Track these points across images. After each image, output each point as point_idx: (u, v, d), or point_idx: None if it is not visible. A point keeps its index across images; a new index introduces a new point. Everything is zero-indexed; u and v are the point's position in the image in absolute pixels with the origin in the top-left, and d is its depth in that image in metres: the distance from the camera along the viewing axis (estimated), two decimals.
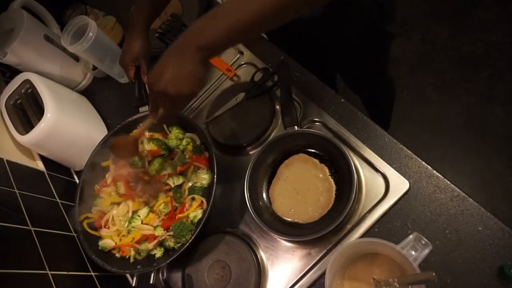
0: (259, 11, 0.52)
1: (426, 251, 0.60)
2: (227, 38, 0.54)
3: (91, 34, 0.94)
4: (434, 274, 0.51)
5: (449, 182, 0.67)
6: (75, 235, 0.86)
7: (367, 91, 1.31)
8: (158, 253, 0.79)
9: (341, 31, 0.93)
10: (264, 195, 0.80)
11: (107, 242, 0.82)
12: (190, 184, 0.82)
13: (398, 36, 1.02)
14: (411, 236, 0.62)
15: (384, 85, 1.32)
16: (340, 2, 0.83)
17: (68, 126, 0.94)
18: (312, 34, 0.96)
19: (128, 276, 0.87)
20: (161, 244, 0.80)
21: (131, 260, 0.81)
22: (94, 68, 1.12)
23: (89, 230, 0.83)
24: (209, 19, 0.55)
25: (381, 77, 1.24)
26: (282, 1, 0.51)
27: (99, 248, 0.82)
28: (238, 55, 0.97)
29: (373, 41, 0.99)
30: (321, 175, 0.76)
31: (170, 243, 0.78)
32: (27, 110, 0.93)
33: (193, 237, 0.72)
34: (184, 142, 0.86)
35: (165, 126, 0.90)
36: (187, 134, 0.88)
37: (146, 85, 0.89)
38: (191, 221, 0.79)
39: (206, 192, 0.81)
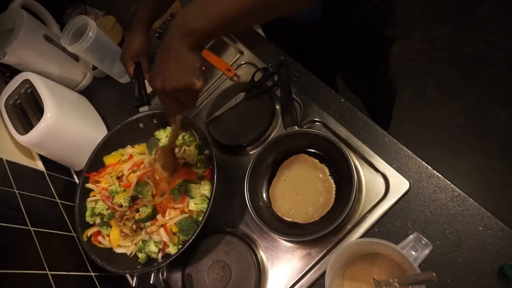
0: (240, 4, 0.51)
1: (426, 251, 0.60)
2: (213, 26, 0.52)
3: (91, 34, 0.94)
4: (434, 274, 0.51)
5: (449, 182, 0.67)
6: (75, 235, 0.86)
7: (367, 92, 1.31)
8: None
9: (340, 33, 0.93)
10: (264, 195, 0.80)
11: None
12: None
13: (398, 39, 1.02)
14: (411, 236, 0.62)
15: (384, 86, 1.32)
16: (339, 6, 0.83)
17: (68, 126, 0.94)
18: (312, 35, 0.96)
19: (128, 276, 0.87)
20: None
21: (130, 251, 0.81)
22: (94, 68, 1.12)
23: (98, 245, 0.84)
24: (198, 3, 0.53)
25: (381, 78, 1.24)
26: None
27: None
28: (238, 55, 0.97)
29: (373, 44, 0.99)
30: (321, 175, 0.76)
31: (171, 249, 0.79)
32: (27, 110, 0.93)
33: (193, 237, 0.72)
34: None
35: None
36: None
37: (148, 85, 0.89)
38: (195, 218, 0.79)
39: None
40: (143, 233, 0.81)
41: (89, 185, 0.88)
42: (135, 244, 0.82)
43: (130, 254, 0.82)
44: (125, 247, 0.82)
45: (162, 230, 0.79)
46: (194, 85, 0.55)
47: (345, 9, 0.85)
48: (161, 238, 0.79)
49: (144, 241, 0.80)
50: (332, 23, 0.89)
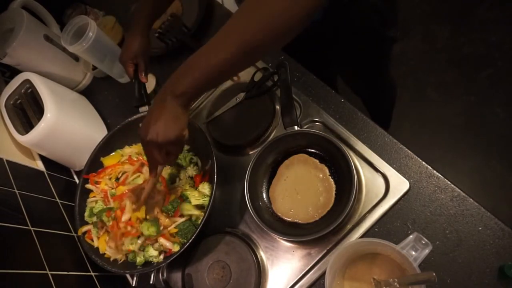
0: (224, 57, 0.54)
1: (426, 251, 0.60)
2: (199, 85, 0.57)
3: (91, 34, 0.94)
4: (434, 274, 0.51)
5: (449, 182, 0.67)
6: (75, 235, 0.86)
7: (368, 92, 1.31)
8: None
9: (341, 34, 0.93)
10: (264, 195, 0.80)
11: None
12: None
13: (399, 39, 1.02)
14: (411, 236, 0.62)
15: (384, 86, 1.32)
16: (340, 7, 0.83)
17: (68, 126, 0.94)
18: (312, 35, 0.96)
19: (128, 276, 0.87)
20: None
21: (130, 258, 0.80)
22: (94, 68, 1.12)
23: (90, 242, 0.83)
24: (183, 68, 0.58)
25: (381, 78, 1.24)
26: (245, 47, 0.52)
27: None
28: None
29: (374, 45, 0.99)
30: (321, 175, 0.76)
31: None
32: (27, 110, 0.93)
33: (193, 237, 0.72)
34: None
35: None
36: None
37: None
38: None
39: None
40: (139, 242, 0.79)
41: (88, 186, 0.88)
42: (125, 255, 0.80)
43: (120, 259, 0.81)
44: (112, 254, 0.81)
45: (162, 239, 0.77)
46: (184, 137, 0.63)
47: (346, 10, 0.85)
48: (163, 245, 0.78)
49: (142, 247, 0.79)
50: (333, 24, 0.89)
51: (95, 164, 0.90)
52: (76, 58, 1.13)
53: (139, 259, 0.78)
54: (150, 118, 0.60)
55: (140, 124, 0.64)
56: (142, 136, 0.62)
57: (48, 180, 0.95)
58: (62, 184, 0.98)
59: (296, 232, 0.73)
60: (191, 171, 0.83)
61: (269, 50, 0.58)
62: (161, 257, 0.78)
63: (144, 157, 0.88)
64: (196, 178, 0.83)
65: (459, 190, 0.66)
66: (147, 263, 0.79)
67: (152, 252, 0.78)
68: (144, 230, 0.76)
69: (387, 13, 0.92)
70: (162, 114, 0.59)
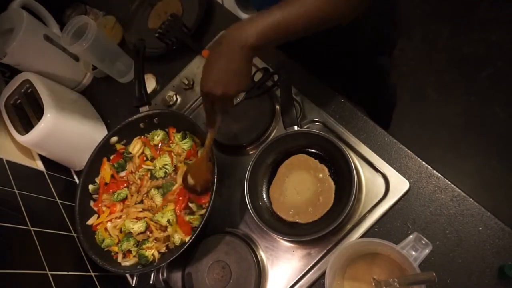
0: (303, 12, 0.54)
1: (426, 251, 0.60)
2: (273, 38, 0.56)
3: (91, 34, 0.94)
4: (434, 274, 0.51)
5: (449, 182, 0.67)
6: (75, 235, 0.86)
7: (367, 92, 1.31)
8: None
9: (337, 50, 0.95)
10: (264, 195, 0.79)
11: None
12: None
13: (389, 70, 1.04)
14: (411, 236, 0.62)
15: (384, 87, 1.32)
16: (332, 36, 0.83)
17: (68, 126, 0.94)
18: (309, 45, 0.97)
19: (128, 276, 0.87)
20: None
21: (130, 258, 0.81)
22: (94, 68, 1.12)
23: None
24: (253, 18, 0.56)
25: (381, 78, 1.24)
26: (323, 7, 0.54)
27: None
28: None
29: (370, 65, 1.01)
30: (321, 175, 0.76)
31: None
32: (27, 110, 0.93)
33: (193, 237, 0.72)
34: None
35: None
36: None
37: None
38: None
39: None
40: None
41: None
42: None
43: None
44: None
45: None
46: (243, 88, 0.61)
47: (337, 36, 0.86)
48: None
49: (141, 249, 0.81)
50: (328, 40, 0.90)
51: (95, 164, 0.90)
52: (76, 58, 1.13)
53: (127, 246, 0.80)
54: (211, 69, 0.57)
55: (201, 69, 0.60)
56: (203, 87, 0.58)
57: (48, 180, 0.95)
58: (62, 184, 0.98)
59: (296, 232, 0.73)
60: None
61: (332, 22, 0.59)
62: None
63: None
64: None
65: (459, 190, 0.66)
66: (147, 263, 0.79)
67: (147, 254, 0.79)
68: (159, 218, 0.79)
69: (378, 41, 0.94)
70: (227, 67, 0.56)
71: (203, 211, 0.79)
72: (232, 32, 0.56)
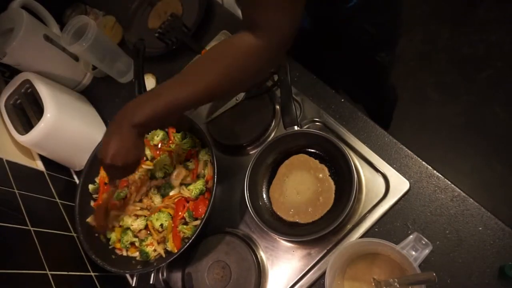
0: (189, 94, 0.58)
1: (427, 251, 0.60)
2: (157, 117, 0.59)
3: (91, 34, 0.94)
4: (434, 274, 0.51)
5: (449, 182, 0.67)
6: (75, 235, 0.86)
7: (367, 92, 1.31)
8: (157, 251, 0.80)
9: (337, 48, 0.95)
10: (264, 195, 0.79)
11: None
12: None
13: (389, 65, 1.04)
14: (411, 236, 0.62)
15: (384, 87, 1.32)
16: (331, 31, 0.83)
17: (68, 126, 0.94)
18: (309, 44, 0.97)
19: (128, 276, 0.87)
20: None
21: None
22: (94, 68, 1.12)
23: None
24: (143, 98, 0.61)
25: (381, 81, 1.24)
26: (212, 88, 0.57)
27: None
28: None
29: (369, 62, 1.01)
30: (321, 175, 0.76)
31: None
32: (27, 110, 0.93)
33: (193, 237, 0.72)
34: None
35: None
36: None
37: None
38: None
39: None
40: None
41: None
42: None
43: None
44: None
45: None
46: (141, 159, 0.69)
47: (338, 32, 0.86)
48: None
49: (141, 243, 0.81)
50: (327, 39, 0.90)
51: (95, 164, 0.90)
52: (76, 58, 1.13)
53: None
54: (109, 144, 0.62)
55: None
56: (103, 160, 0.63)
57: (48, 180, 0.95)
58: (62, 184, 0.98)
59: (296, 232, 0.72)
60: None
61: (233, 93, 0.65)
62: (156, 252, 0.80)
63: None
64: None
65: (459, 190, 0.66)
66: (147, 263, 0.79)
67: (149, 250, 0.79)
68: (154, 220, 0.80)
69: (380, 38, 0.93)
70: (122, 141, 0.61)
71: (196, 222, 0.79)
72: (125, 111, 0.61)
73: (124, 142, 0.61)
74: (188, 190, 0.81)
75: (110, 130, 0.63)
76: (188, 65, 0.58)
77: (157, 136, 0.90)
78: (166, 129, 0.91)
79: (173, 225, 0.79)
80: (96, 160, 0.90)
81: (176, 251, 0.75)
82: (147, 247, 0.80)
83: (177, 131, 0.90)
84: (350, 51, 0.98)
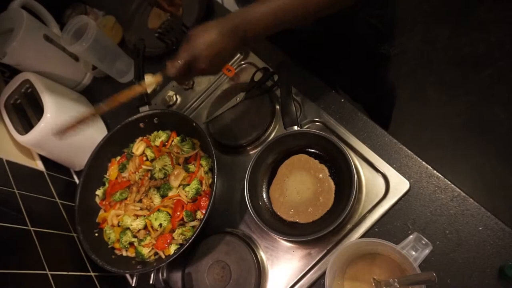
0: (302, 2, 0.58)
1: (427, 251, 0.60)
2: (270, 24, 0.59)
3: (91, 34, 0.94)
4: (434, 274, 0.51)
5: (449, 182, 0.67)
6: (75, 235, 0.86)
7: (367, 92, 1.31)
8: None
9: (336, 45, 0.94)
10: (264, 195, 0.79)
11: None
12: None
13: (393, 56, 1.04)
14: (411, 236, 0.62)
15: (383, 87, 1.32)
16: (334, 23, 0.83)
17: None
18: (309, 43, 0.97)
19: (128, 276, 0.87)
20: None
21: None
22: (94, 68, 1.12)
23: None
24: (259, 9, 0.59)
25: (381, 78, 1.24)
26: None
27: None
28: (238, 55, 0.97)
29: (371, 56, 1.00)
30: (321, 176, 0.76)
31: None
32: (27, 110, 0.93)
33: (193, 237, 0.72)
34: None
35: None
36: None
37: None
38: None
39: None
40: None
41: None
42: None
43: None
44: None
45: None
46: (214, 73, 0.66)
47: (341, 27, 0.86)
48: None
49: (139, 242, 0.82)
50: (327, 37, 0.90)
51: (95, 164, 0.90)
52: (76, 58, 1.13)
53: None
54: (210, 42, 0.57)
55: (191, 33, 0.60)
56: (195, 49, 0.58)
57: (48, 180, 0.95)
58: (62, 184, 0.98)
59: (296, 232, 0.72)
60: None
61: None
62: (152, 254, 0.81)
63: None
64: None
65: (459, 190, 0.66)
66: (147, 263, 0.79)
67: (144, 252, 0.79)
68: (153, 219, 0.79)
69: (383, 31, 0.93)
70: (226, 48, 0.58)
71: (194, 223, 0.79)
72: (241, 18, 0.59)
73: (227, 50, 0.58)
74: (185, 191, 0.81)
75: (212, 31, 0.58)
76: None
77: (159, 138, 0.90)
78: (169, 131, 0.91)
79: (173, 227, 0.79)
80: (96, 160, 0.90)
81: (167, 254, 0.76)
82: (143, 247, 0.80)
83: (177, 135, 0.90)
84: (354, 47, 0.97)
